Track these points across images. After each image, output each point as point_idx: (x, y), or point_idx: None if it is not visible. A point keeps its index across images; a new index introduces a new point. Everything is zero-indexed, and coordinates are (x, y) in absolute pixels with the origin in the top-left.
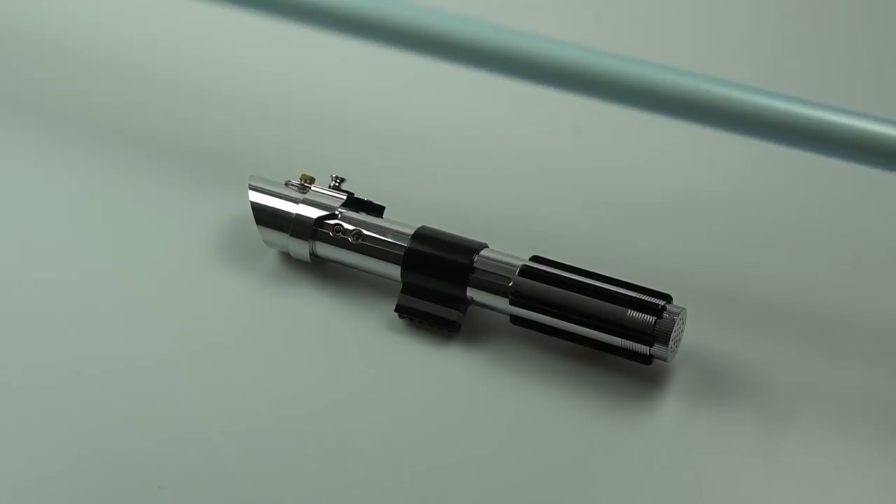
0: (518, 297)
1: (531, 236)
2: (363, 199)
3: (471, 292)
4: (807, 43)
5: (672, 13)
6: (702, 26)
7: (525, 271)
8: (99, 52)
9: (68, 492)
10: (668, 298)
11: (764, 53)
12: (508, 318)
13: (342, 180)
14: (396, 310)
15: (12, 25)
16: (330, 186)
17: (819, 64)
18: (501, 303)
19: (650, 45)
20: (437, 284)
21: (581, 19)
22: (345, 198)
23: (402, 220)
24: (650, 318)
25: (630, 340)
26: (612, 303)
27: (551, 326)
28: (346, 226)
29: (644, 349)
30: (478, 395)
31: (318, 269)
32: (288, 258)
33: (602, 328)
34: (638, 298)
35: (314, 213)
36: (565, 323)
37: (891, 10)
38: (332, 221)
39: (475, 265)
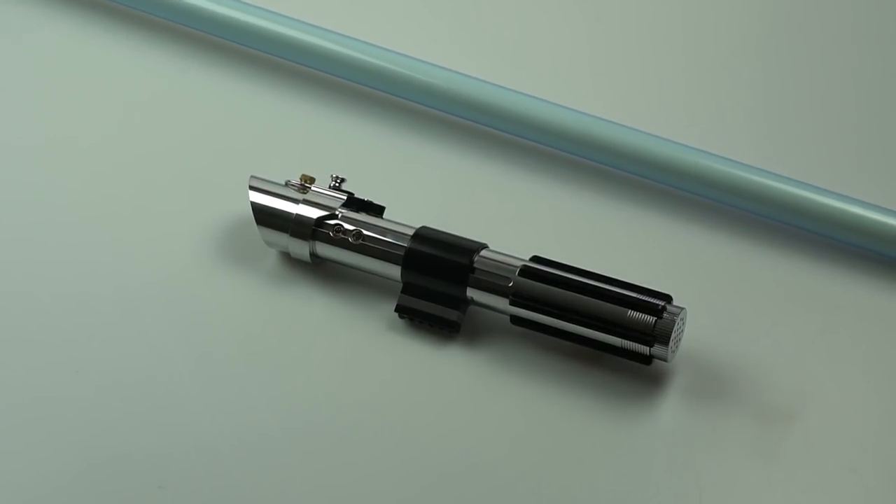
0: (518, 298)
1: (531, 236)
2: (363, 199)
3: (471, 292)
4: (801, 40)
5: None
6: (697, 27)
7: (525, 271)
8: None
9: (68, 491)
10: (668, 299)
11: (759, 49)
12: (508, 318)
13: (342, 180)
14: (396, 310)
15: None
16: (330, 186)
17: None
18: (501, 303)
19: (647, 45)
20: (437, 284)
21: (582, 19)
22: (345, 198)
23: (402, 220)
24: (650, 319)
25: (630, 341)
26: (612, 303)
27: (551, 327)
28: (346, 226)
29: (644, 349)
30: (478, 395)
31: (318, 269)
32: (288, 258)
33: (602, 328)
34: (638, 299)
35: (314, 213)
36: (565, 323)
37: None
38: (332, 221)
39: (475, 265)
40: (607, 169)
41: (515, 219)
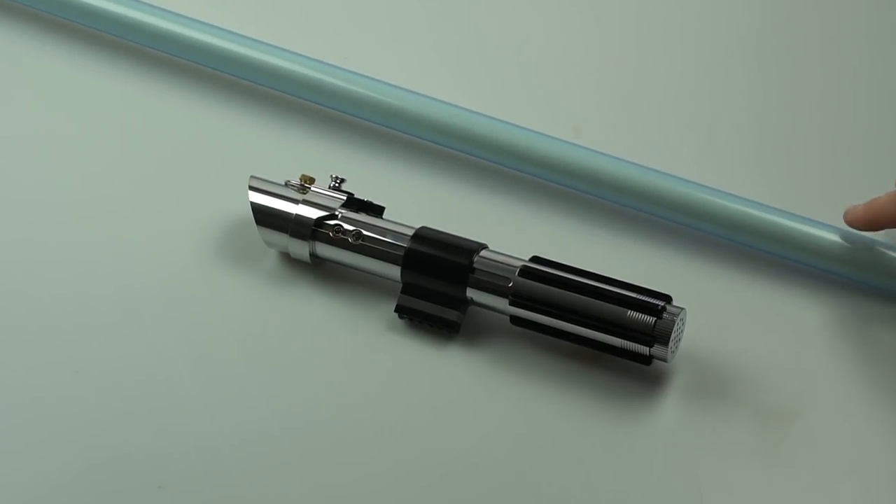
0: (518, 298)
1: (531, 236)
2: (363, 200)
3: (471, 293)
4: (800, 47)
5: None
6: (696, 28)
7: (525, 272)
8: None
9: (68, 491)
10: (667, 299)
11: (756, 53)
12: (508, 318)
13: (342, 180)
14: (396, 310)
15: None
16: (330, 187)
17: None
18: (501, 303)
19: (646, 44)
20: (436, 285)
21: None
22: (345, 198)
23: (401, 220)
24: (650, 319)
25: (630, 341)
26: (612, 303)
27: (551, 327)
28: (346, 226)
29: (644, 350)
30: (478, 395)
31: (318, 270)
32: (288, 258)
33: (602, 329)
34: (638, 299)
35: (314, 213)
36: (565, 323)
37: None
38: (331, 222)
39: (475, 265)
40: (606, 201)
41: (515, 219)
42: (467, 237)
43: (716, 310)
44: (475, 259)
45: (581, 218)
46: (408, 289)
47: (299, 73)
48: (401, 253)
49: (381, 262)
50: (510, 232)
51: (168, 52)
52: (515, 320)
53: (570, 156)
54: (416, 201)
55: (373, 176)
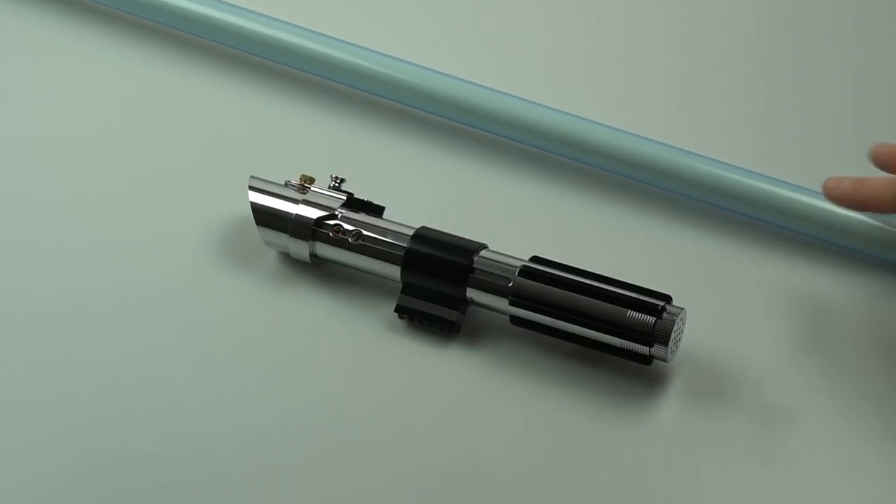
0: (518, 298)
1: (531, 236)
2: (363, 200)
3: (471, 293)
4: (800, 42)
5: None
6: (697, 25)
7: (525, 272)
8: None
9: (68, 491)
10: (667, 299)
11: (759, 49)
12: (508, 318)
13: (342, 180)
14: (396, 310)
15: None
16: (330, 187)
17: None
18: (501, 303)
19: (647, 45)
20: (436, 285)
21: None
22: (345, 198)
23: (401, 220)
24: (650, 319)
25: (630, 341)
26: (612, 303)
27: (551, 327)
28: (346, 226)
29: (644, 350)
30: (478, 395)
31: (318, 270)
32: (288, 258)
33: (602, 329)
34: (637, 299)
35: (314, 213)
36: (565, 324)
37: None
38: (331, 222)
39: (475, 266)
40: (606, 172)
41: (515, 219)
42: (467, 237)
43: (716, 310)
44: (475, 259)
45: (580, 219)
46: (408, 289)
47: (308, 48)
48: (401, 253)
49: (381, 262)
50: (511, 232)
51: (165, 23)
52: (515, 320)
53: (571, 125)
54: (415, 200)
55: (373, 175)
